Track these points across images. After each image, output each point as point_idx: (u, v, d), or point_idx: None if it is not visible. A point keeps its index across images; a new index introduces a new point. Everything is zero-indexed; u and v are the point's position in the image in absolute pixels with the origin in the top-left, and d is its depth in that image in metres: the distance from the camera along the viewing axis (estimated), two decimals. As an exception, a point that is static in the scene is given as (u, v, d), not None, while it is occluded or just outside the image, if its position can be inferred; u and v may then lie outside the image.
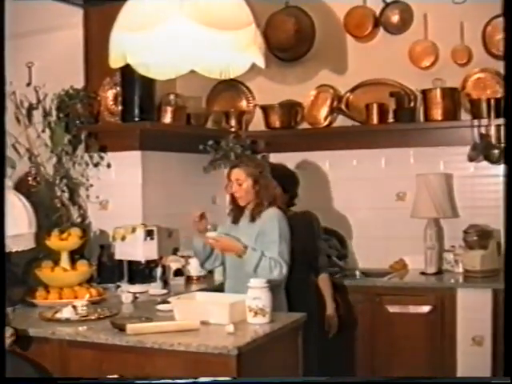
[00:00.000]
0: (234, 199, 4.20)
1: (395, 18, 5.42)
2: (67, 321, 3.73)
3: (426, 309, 4.78)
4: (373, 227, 5.43)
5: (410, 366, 4.74)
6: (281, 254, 4.00)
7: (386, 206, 5.39)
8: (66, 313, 3.79)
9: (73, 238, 4.46)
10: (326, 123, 5.57)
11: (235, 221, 4.21)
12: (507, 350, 2.71)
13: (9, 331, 3.51)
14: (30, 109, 4.88)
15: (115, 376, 3.35)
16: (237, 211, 4.21)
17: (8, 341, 3.47)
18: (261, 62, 3.72)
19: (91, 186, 5.04)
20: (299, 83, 5.68)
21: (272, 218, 4.06)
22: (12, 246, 4.24)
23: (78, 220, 4.99)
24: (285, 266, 3.99)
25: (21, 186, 4.64)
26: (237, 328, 3.37)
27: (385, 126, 5.33)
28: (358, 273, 5.27)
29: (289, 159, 5.28)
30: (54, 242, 4.43)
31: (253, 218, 4.10)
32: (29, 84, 5.00)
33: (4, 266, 3.34)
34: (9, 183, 4.43)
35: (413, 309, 4.81)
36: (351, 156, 5.49)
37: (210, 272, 4.88)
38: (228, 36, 3.49)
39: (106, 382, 3.39)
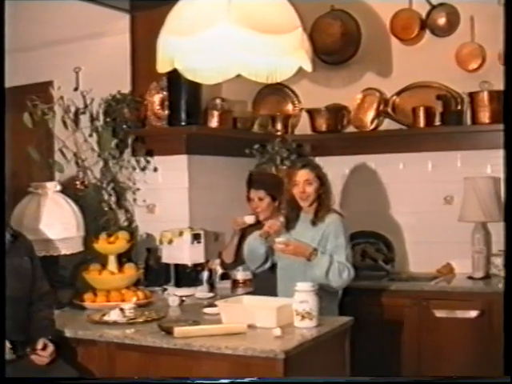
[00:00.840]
0: (292, 202, 4.18)
1: (441, 21, 5.37)
2: (115, 323, 3.77)
3: (473, 314, 4.71)
4: (420, 231, 5.38)
5: (457, 371, 4.68)
6: (347, 258, 4.03)
7: (433, 210, 5.33)
8: (114, 315, 3.82)
9: (120, 242, 4.49)
10: (373, 127, 5.53)
11: (291, 226, 4.20)
12: (507, 350, 2.74)
13: (49, 349, 3.51)
14: (77, 113, 4.94)
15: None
16: (293, 215, 4.20)
17: (46, 360, 3.48)
18: (308, 66, 3.73)
19: (138, 189, 5.09)
20: (345, 86, 5.66)
21: (336, 223, 4.08)
22: (61, 250, 4.32)
23: (125, 224, 5.04)
24: (352, 270, 4.01)
25: (69, 190, 4.68)
26: (284, 332, 3.37)
27: (431, 129, 5.28)
28: (404, 277, 5.22)
29: (335, 163, 5.27)
30: (101, 245, 4.47)
31: (314, 222, 4.10)
32: (76, 89, 5.06)
33: (4, 266, 3.34)
34: (57, 187, 4.49)
35: (460, 313, 4.75)
36: (398, 159, 5.44)
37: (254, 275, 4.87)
38: (275, 40, 3.50)
39: (107, 382, 3.44)
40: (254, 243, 4.25)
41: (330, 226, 4.06)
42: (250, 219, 4.65)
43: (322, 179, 4.14)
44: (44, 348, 3.50)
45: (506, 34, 3.01)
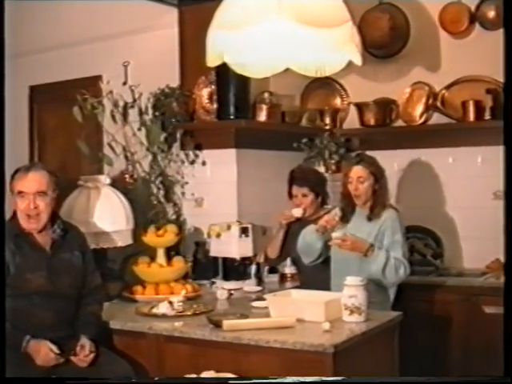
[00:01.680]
0: (347, 197, 4.16)
1: (491, 14, 5.29)
2: (163, 316, 3.79)
3: (523, 310, 4.65)
4: (469, 226, 5.32)
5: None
6: (404, 254, 4.01)
7: (483, 205, 5.26)
8: (163, 308, 3.85)
9: (169, 235, 4.52)
10: (422, 121, 5.47)
11: (346, 220, 4.18)
12: (507, 350, 2.78)
13: (87, 346, 3.50)
14: (126, 107, 4.96)
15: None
16: (348, 209, 4.18)
17: (87, 359, 3.48)
18: (358, 60, 3.70)
19: (186, 183, 5.11)
20: (393, 80, 5.60)
21: (393, 218, 4.06)
22: (110, 242, 4.35)
23: (174, 217, 5.06)
24: (408, 266, 4.00)
25: (118, 184, 4.72)
26: (332, 326, 3.36)
27: (481, 123, 5.20)
28: (453, 272, 5.17)
29: (383, 157, 5.18)
30: (150, 238, 4.49)
31: (370, 218, 4.09)
32: (125, 83, 5.08)
33: (4, 262, 3.33)
34: (107, 180, 4.53)
35: (510, 310, 4.69)
36: (447, 154, 5.38)
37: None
38: (325, 34, 3.50)
39: (111, 382, 3.43)
40: (310, 237, 4.23)
41: (386, 222, 4.04)
42: (297, 212, 4.63)
43: (376, 175, 4.10)
44: (83, 348, 3.50)
45: (506, 34, 3.02)
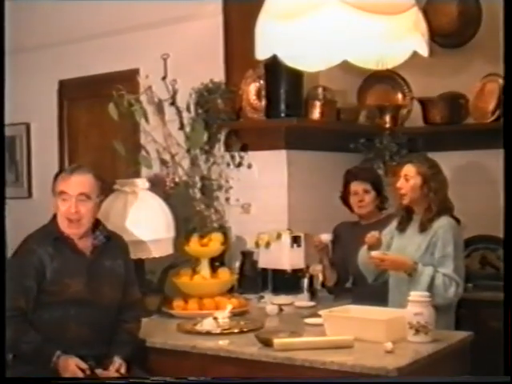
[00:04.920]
0: (401, 201, 4.20)
1: None
2: (208, 333, 3.83)
3: None
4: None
5: None
6: (456, 270, 3.97)
7: None
8: (207, 325, 3.89)
9: (214, 244, 4.56)
10: (494, 118, 5.42)
11: (403, 228, 4.21)
12: (507, 350, 2.87)
13: (119, 368, 3.56)
14: (165, 104, 5.01)
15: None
16: (405, 217, 4.21)
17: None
18: (424, 50, 3.70)
19: (231, 187, 5.14)
20: (463, 73, 5.59)
21: (446, 228, 4.03)
22: (149, 252, 4.40)
23: (218, 225, 5.08)
24: (461, 284, 3.97)
25: (157, 188, 4.79)
26: (395, 347, 3.36)
27: None
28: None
29: (451, 159, 5.20)
30: (193, 247, 4.54)
31: (423, 227, 4.09)
32: (164, 77, 5.10)
33: (4, 266, 3.40)
34: (146, 184, 4.58)
35: None
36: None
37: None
38: (387, 21, 3.50)
39: (104, 382, 3.48)
40: (363, 256, 4.27)
41: (438, 232, 4.03)
42: (326, 238, 4.72)
43: (426, 177, 4.10)
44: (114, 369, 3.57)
45: (506, 33, 3.10)
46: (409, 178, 4.12)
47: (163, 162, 5.01)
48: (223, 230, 4.97)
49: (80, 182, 3.64)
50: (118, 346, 3.65)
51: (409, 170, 4.14)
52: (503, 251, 2.93)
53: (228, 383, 3.32)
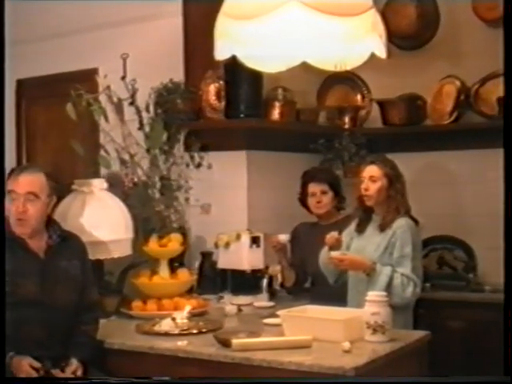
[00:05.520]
0: (361, 201, 4.22)
1: (533, -1, 5.32)
2: (166, 334, 3.82)
3: None
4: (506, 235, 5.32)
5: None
6: (414, 270, 4.00)
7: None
8: (165, 325, 3.88)
9: (173, 245, 4.55)
10: (452, 119, 5.48)
11: (362, 229, 4.25)
12: (507, 350, 2.92)
13: (76, 370, 3.56)
14: (124, 104, 4.97)
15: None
16: (364, 217, 4.25)
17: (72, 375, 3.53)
18: (382, 52, 3.72)
19: (191, 188, 5.10)
20: (421, 74, 5.63)
21: (404, 228, 4.06)
22: (108, 253, 4.38)
23: (177, 225, 5.05)
24: (418, 284, 4.00)
25: (116, 188, 4.77)
26: (353, 346, 3.38)
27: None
28: (488, 288, 5.19)
29: (409, 160, 5.23)
30: (152, 248, 4.52)
31: (383, 227, 4.12)
32: (124, 77, 5.04)
33: (4, 266, 3.35)
34: (104, 185, 4.56)
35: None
36: (481, 156, 5.39)
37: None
38: (345, 23, 3.51)
39: (106, 382, 3.49)
40: (324, 257, 4.29)
41: (396, 233, 4.06)
42: (283, 238, 4.75)
43: (391, 178, 4.14)
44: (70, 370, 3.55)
45: (505, 33, 3.12)
46: (375, 179, 4.14)
47: (122, 162, 4.96)
48: (182, 230, 4.95)
49: (29, 181, 3.60)
50: (76, 348, 3.63)
51: (374, 171, 4.16)
52: (504, 251, 2.96)
53: (225, 383, 3.32)
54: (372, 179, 4.14)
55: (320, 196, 4.71)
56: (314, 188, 4.73)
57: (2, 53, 3.40)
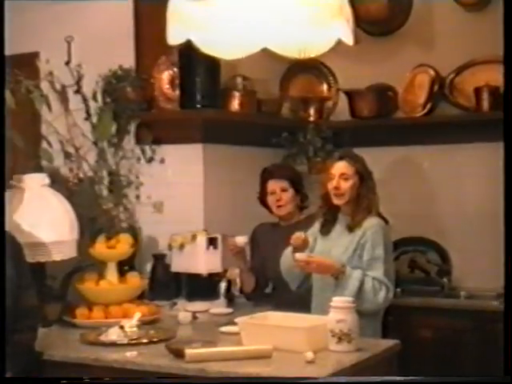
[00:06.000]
0: (328, 200, 4.21)
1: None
2: (114, 344, 3.79)
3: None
4: (483, 237, 5.35)
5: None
6: (386, 273, 4.00)
7: (501, 213, 5.31)
8: (113, 335, 3.85)
9: (122, 246, 4.53)
10: (425, 111, 5.51)
11: (327, 229, 4.24)
12: (507, 350, 2.98)
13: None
14: (69, 92, 4.94)
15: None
16: (330, 217, 4.24)
17: None
18: (349, 38, 3.71)
19: (142, 184, 5.10)
20: (392, 63, 5.65)
21: (375, 228, 4.07)
22: (50, 255, 4.34)
23: (126, 225, 5.05)
24: (391, 288, 4.00)
25: (59, 185, 4.73)
26: (317, 356, 3.38)
27: (499, 114, 5.22)
28: (463, 293, 5.23)
29: (378, 155, 5.26)
30: (99, 250, 4.50)
31: (352, 228, 4.12)
32: (68, 62, 5.01)
33: (4, 265, 3.38)
34: (46, 180, 4.51)
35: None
36: (456, 151, 5.45)
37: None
38: (310, 6, 3.51)
39: (107, 382, 3.48)
40: (286, 260, 4.27)
41: (366, 233, 4.06)
42: (241, 240, 4.73)
43: (362, 176, 4.15)
44: None
45: (505, 33, 3.18)
46: (347, 177, 4.13)
47: (67, 156, 4.93)
48: (133, 230, 4.94)
49: None
50: (10, 360, 3.58)
51: (345, 168, 4.15)
52: (504, 250, 2.98)
53: (225, 383, 3.31)
54: (343, 177, 4.12)
55: (280, 194, 4.70)
56: (273, 185, 4.72)
57: (2, 53, 3.51)
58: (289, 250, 4.23)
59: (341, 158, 4.20)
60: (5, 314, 3.23)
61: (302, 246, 4.13)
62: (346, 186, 4.12)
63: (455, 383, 3.33)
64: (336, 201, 4.15)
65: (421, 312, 4.95)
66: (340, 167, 4.16)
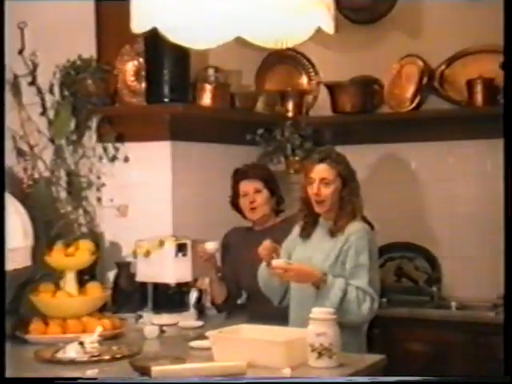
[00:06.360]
0: (308, 204, 4.19)
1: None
2: (72, 362, 3.76)
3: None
4: (475, 243, 5.37)
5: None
6: (371, 282, 3.99)
7: (495, 217, 5.33)
8: (71, 351, 3.81)
9: (81, 254, 4.51)
10: (413, 106, 5.53)
11: (307, 234, 4.22)
12: (507, 350, 3.05)
13: None
14: (23, 83, 4.94)
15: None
16: (310, 221, 4.22)
17: None
18: (329, 26, 3.70)
19: (104, 185, 5.11)
20: (377, 53, 5.67)
21: (359, 234, 4.05)
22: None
23: (87, 230, 5.05)
24: (376, 299, 3.98)
25: (12, 186, 4.67)
26: (294, 373, 3.37)
27: (494, 108, 5.26)
28: (454, 304, 5.24)
29: (363, 154, 5.27)
30: (56, 258, 4.48)
31: (334, 232, 4.11)
32: (21, 51, 4.99)
33: (4, 264, 3.47)
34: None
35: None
36: (447, 149, 5.47)
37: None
38: (286, -8, 3.51)
39: (106, 382, 3.48)
40: (263, 274, 4.27)
41: (350, 239, 4.05)
42: (212, 246, 4.72)
43: (345, 179, 4.13)
44: None
45: (505, 31, 3.21)
46: (328, 181, 4.10)
47: (20, 154, 4.91)
48: (94, 236, 4.94)
49: None
50: None
51: (325, 172, 4.12)
52: (504, 249, 3.02)
53: (225, 383, 3.32)
54: (324, 182, 4.10)
55: (253, 195, 4.70)
56: (246, 186, 4.72)
57: (2, 54, 3.55)
58: (263, 263, 4.22)
59: (321, 161, 4.17)
60: (4, 314, 3.25)
61: (271, 257, 4.11)
62: (326, 192, 4.10)
63: (455, 383, 3.42)
64: (317, 208, 4.14)
65: (408, 324, 4.96)
66: (320, 171, 4.13)
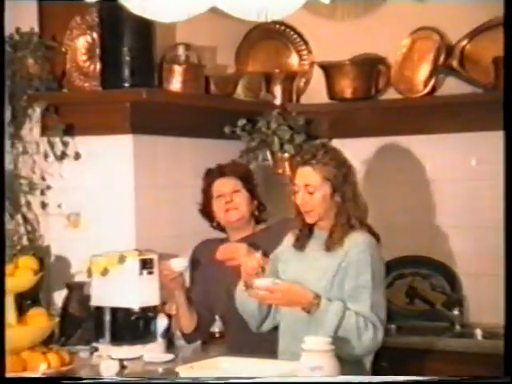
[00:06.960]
0: (300, 213, 4.15)
1: None
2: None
3: None
4: (505, 256, 5.34)
5: None
6: (374, 307, 3.96)
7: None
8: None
9: (22, 273, 4.42)
10: (427, 90, 5.54)
11: (300, 246, 4.19)
12: (507, 350, 3.26)
13: None
14: None
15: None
16: (304, 231, 4.19)
17: None
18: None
19: (49, 188, 5.10)
20: (382, 28, 5.65)
21: (361, 248, 4.02)
22: None
23: (28, 243, 5.05)
24: (380, 327, 3.95)
25: None
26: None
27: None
28: (479, 332, 5.22)
29: (365, 148, 5.26)
30: (-11, 279, 4.44)
31: (331, 246, 4.07)
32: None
33: (4, 265, 3.58)
34: None
35: None
36: (468, 142, 5.47)
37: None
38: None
39: (107, 382, 3.67)
40: (241, 297, 4.26)
41: (349, 254, 4.03)
42: (179, 264, 4.66)
43: (334, 182, 4.09)
44: None
45: (505, 30, 3.30)
46: (313, 189, 4.07)
47: None
48: (37, 250, 4.93)
49: None
50: None
51: (309, 177, 4.09)
52: (504, 248, 3.11)
53: (225, 383, 3.38)
54: (308, 189, 4.08)
55: (230, 195, 4.67)
56: (221, 186, 4.70)
57: (2, 52, 3.86)
58: (241, 282, 4.22)
59: (305, 163, 4.13)
60: (4, 314, 3.36)
61: (255, 274, 4.12)
62: (312, 201, 4.08)
63: (455, 383, 3.55)
64: (307, 219, 4.12)
65: (423, 356, 4.94)
66: (303, 176, 4.11)
